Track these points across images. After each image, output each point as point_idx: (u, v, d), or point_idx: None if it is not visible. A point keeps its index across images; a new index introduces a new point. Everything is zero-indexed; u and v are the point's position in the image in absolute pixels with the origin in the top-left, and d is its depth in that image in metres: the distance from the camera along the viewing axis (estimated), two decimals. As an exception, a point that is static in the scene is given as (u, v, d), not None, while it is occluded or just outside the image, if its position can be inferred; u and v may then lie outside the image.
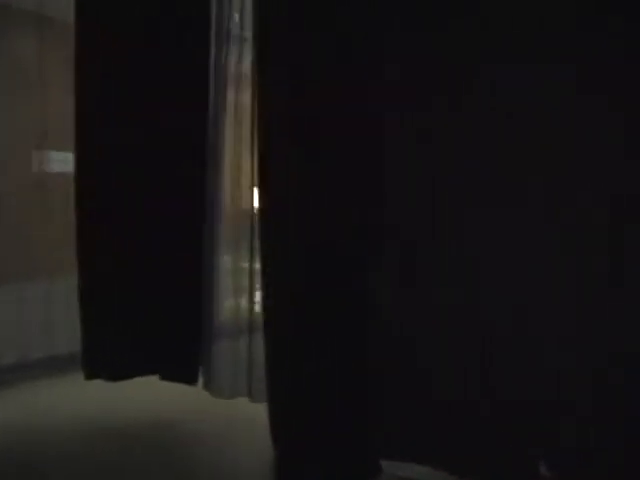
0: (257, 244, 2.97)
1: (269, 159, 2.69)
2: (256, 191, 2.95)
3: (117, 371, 3.26)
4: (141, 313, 3.23)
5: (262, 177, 2.73)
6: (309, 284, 2.59)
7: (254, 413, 3.11)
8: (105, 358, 3.25)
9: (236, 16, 3.25)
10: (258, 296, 3.08)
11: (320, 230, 2.58)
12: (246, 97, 3.08)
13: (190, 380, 3.30)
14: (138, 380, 3.37)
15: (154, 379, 3.36)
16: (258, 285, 3.08)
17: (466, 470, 2.48)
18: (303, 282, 2.60)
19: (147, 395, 3.58)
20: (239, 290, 3.29)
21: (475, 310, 2.40)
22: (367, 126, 2.51)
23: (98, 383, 3.33)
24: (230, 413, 3.36)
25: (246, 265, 3.18)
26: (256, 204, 3.02)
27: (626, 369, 2.24)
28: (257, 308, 3.11)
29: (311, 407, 2.62)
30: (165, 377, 3.30)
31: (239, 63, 3.21)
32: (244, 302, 3.22)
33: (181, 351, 3.26)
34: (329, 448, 2.60)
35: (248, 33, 3.07)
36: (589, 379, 2.30)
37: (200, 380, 3.36)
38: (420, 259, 2.52)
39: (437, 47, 2.46)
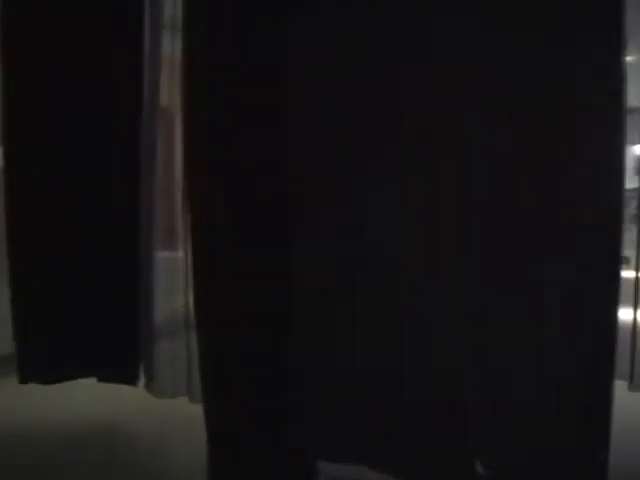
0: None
1: (194, 155, 2.54)
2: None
3: (52, 374, 3.09)
4: (76, 313, 3.07)
5: (189, 175, 2.59)
6: (239, 282, 2.46)
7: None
8: (39, 361, 3.08)
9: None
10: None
11: (249, 229, 2.46)
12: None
13: (130, 380, 3.15)
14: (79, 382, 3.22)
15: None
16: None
17: (403, 470, 2.38)
18: (233, 281, 2.47)
19: (86, 397, 3.43)
20: (178, 286, 3.15)
21: (404, 305, 2.30)
22: (286, 121, 2.39)
23: (34, 386, 3.17)
24: (172, 412, 3.23)
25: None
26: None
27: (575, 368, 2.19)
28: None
29: (244, 407, 2.50)
30: (103, 379, 3.15)
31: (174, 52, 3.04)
32: (182, 298, 3.08)
33: (119, 351, 3.11)
34: (263, 449, 2.49)
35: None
36: (527, 376, 2.23)
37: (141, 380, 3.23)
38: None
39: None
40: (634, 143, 3.43)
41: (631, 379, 3.07)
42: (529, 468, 2.25)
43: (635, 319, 3.16)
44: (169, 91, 3.02)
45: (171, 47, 2.97)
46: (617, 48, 2.21)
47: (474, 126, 2.26)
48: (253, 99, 2.48)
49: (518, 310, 2.26)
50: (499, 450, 2.29)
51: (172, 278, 3.17)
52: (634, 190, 3.54)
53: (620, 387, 3.06)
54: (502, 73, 2.22)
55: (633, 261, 3.29)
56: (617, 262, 2.30)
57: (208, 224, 2.52)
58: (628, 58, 3.56)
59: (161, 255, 3.33)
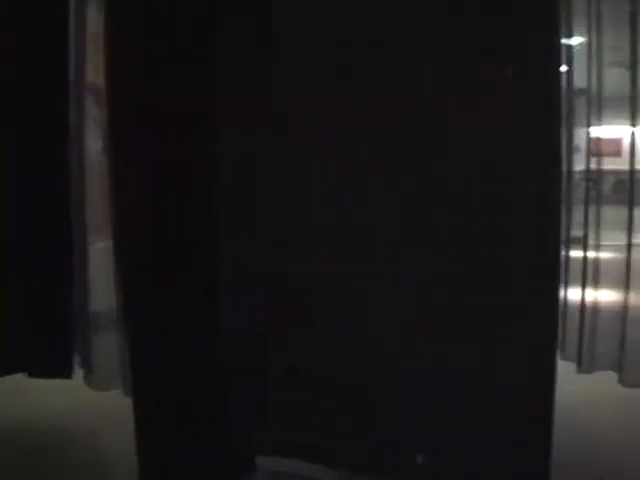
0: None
1: (117, 144, 2.33)
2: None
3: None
4: (4, 306, 2.84)
5: (113, 164, 2.38)
6: (165, 276, 2.26)
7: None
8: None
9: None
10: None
11: (173, 219, 2.26)
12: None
13: (63, 374, 2.92)
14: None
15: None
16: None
17: (340, 462, 2.22)
18: (158, 274, 2.27)
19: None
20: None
21: (342, 298, 2.14)
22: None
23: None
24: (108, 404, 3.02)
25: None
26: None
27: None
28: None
29: (175, 401, 2.31)
30: (34, 374, 2.91)
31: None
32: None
33: (51, 344, 2.87)
34: (196, 444, 2.30)
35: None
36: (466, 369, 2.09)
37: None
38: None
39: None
40: (585, 125, 3.30)
41: (579, 362, 2.95)
42: (469, 458, 2.12)
43: (583, 299, 3.04)
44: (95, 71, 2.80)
45: (97, 24, 2.73)
46: (553, 31, 2.10)
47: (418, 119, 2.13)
48: (180, 86, 2.27)
49: (457, 297, 2.13)
50: (439, 442, 2.15)
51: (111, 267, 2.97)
52: (584, 172, 3.41)
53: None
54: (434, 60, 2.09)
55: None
56: (557, 245, 2.17)
57: (131, 216, 2.31)
58: (577, 40, 3.45)
59: (101, 245, 3.12)
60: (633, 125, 3.06)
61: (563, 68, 3.29)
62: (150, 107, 2.28)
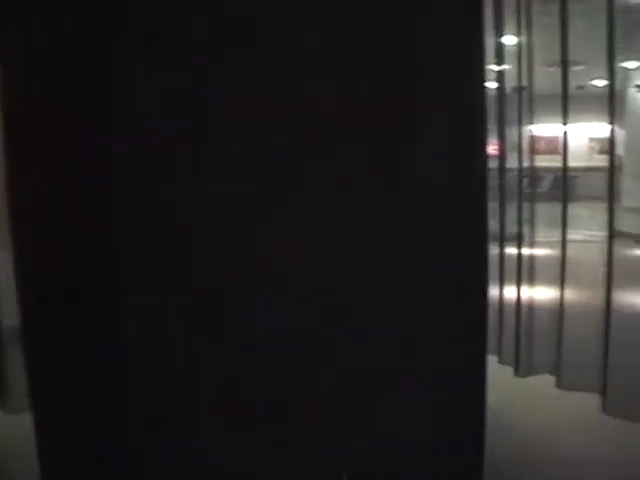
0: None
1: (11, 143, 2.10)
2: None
3: None
4: None
5: (7, 168, 2.14)
6: (64, 289, 2.03)
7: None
8: None
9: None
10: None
11: (67, 230, 2.04)
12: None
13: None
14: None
15: None
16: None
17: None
18: (57, 288, 2.04)
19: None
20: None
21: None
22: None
23: None
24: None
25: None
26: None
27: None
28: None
29: (77, 418, 2.07)
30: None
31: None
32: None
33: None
34: (100, 464, 2.07)
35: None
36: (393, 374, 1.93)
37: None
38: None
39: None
40: (520, 123, 3.20)
41: (516, 366, 2.80)
42: (398, 468, 1.95)
43: (519, 299, 2.90)
44: None
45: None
46: (476, 27, 2.01)
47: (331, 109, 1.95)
48: (76, 85, 2.05)
49: (383, 298, 1.97)
50: (365, 455, 1.97)
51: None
52: (518, 170, 3.31)
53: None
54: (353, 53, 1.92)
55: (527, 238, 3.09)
56: (484, 242, 2.04)
57: (26, 221, 2.08)
58: (512, 40, 3.34)
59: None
60: (564, 123, 2.96)
61: (497, 67, 3.19)
62: (45, 107, 2.06)
